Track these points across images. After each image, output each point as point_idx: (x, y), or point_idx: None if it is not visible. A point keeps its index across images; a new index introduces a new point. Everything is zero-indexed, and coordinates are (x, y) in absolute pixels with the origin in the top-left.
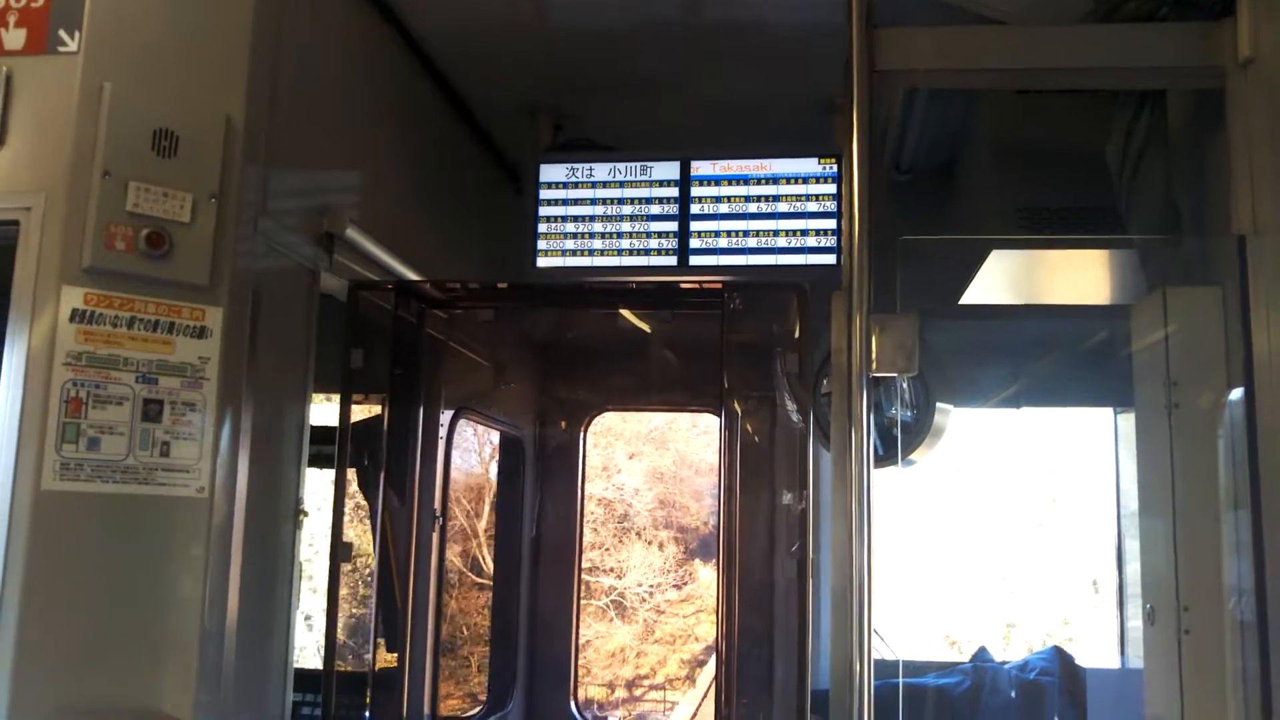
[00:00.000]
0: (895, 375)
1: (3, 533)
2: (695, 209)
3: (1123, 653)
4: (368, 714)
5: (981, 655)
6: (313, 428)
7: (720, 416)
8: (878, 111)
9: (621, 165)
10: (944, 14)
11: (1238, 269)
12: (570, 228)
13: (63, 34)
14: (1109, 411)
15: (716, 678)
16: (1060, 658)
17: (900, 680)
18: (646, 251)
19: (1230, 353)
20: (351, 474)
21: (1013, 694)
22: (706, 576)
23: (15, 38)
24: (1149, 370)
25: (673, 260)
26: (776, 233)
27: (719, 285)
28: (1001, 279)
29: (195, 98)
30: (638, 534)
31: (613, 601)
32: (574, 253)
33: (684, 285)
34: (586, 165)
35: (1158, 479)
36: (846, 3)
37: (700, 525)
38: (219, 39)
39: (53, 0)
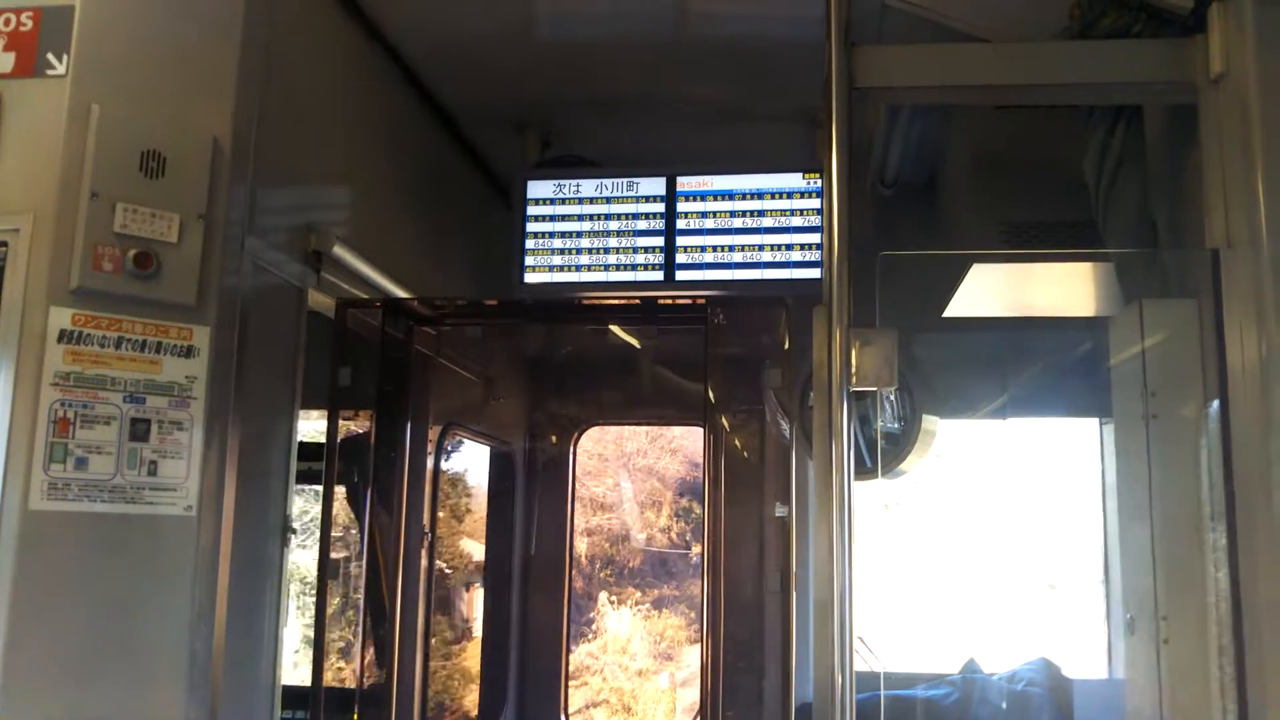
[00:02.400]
0: (876, 389)
1: None
2: (681, 224)
3: (1110, 663)
4: None
5: (970, 667)
6: (300, 444)
7: (705, 430)
8: (859, 127)
9: (608, 181)
10: (922, 31)
11: (1212, 282)
12: (558, 244)
13: (51, 57)
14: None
15: (701, 691)
16: (1049, 669)
17: (881, 693)
18: (633, 267)
19: (1206, 364)
20: (339, 491)
21: (1003, 705)
22: (618, 628)
23: (4, 61)
24: (1127, 381)
25: (659, 275)
26: (761, 247)
27: (703, 300)
28: (984, 292)
29: (182, 119)
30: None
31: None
32: (561, 269)
33: (669, 300)
34: (574, 182)
35: (1137, 489)
36: (825, 21)
37: (643, 533)
38: (206, 60)
39: (41, 24)
